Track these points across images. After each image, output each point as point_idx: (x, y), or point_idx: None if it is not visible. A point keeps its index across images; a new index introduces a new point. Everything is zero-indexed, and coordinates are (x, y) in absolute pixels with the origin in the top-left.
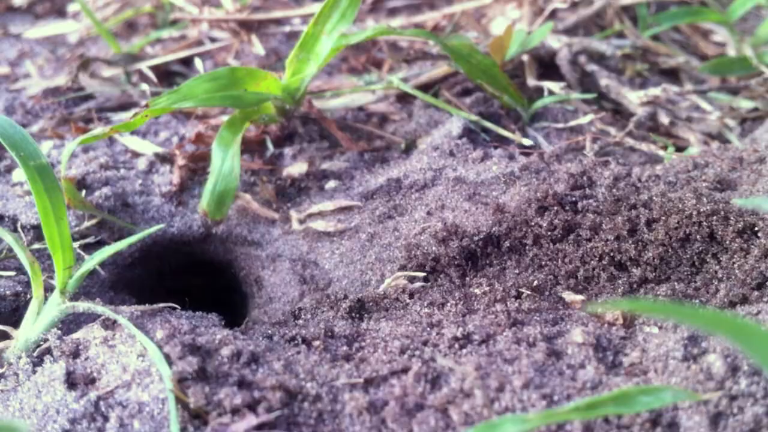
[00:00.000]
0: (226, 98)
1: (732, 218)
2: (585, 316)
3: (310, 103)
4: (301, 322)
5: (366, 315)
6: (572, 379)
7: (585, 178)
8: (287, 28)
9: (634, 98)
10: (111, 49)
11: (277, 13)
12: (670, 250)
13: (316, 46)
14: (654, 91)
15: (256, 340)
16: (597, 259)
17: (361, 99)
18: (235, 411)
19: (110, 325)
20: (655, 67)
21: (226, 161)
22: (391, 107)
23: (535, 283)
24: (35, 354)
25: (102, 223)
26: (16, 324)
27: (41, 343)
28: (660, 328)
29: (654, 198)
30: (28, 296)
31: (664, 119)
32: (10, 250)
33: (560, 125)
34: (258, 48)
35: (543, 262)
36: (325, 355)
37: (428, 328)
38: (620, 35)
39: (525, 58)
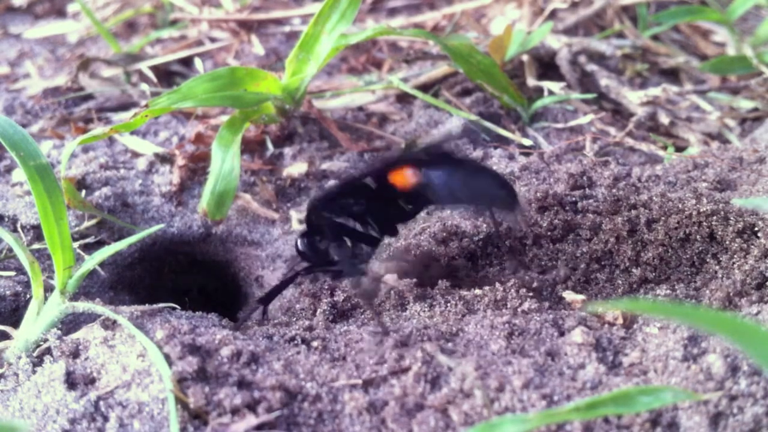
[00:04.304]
0: (226, 98)
1: (732, 218)
2: (585, 316)
3: (310, 103)
4: (301, 322)
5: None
6: (572, 379)
7: (585, 178)
8: (287, 28)
9: (634, 98)
10: (111, 49)
11: (277, 13)
12: (670, 250)
13: (316, 46)
14: (654, 91)
15: (256, 340)
16: (597, 259)
17: (361, 99)
18: (235, 411)
19: (110, 325)
20: (655, 67)
21: (226, 161)
22: (391, 107)
23: (535, 283)
24: (35, 354)
25: (102, 223)
26: (16, 324)
27: (41, 343)
28: (660, 328)
29: (654, 198)
30: (28, 296)
31: (664, 119)
32: (10, 250)
33: (560, 125)
34: (258, 48)
35: (543, 262)
36: (324, 355)
37: (428, 328)
38: (620, 35)
39: (525, 58)
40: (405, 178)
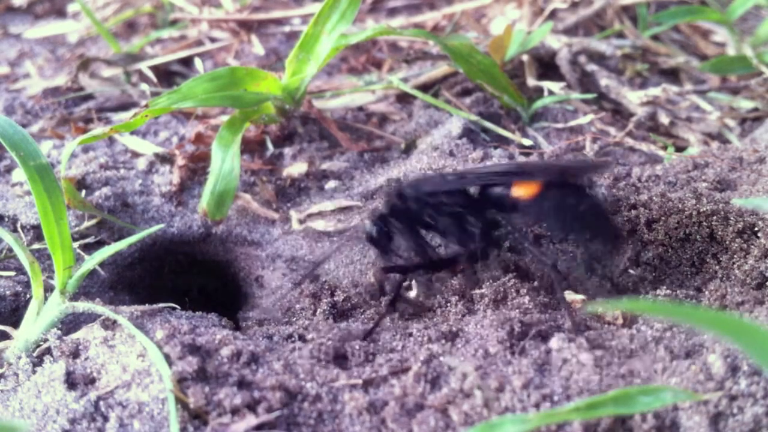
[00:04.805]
0: (226, 98)
1: (732, 218)
2: (585, 316)
3: (310, 103)
4: (301, 321)
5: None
6: (572, 379)
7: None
8: (287, 28)
9: (634, 98)
10: (111, 49)
11: (277, 13)
12: (670, 250)
13: (316, 46)
14: (654, 91)
15: (256, 340)
16: (597, 259)
17: (361, 99)
18: (235, 411)
19: (110, 325)
20: (655, 67)
21: (226, 161)
22: (391, 107)
23: (535, 283)
24: (35, 354)
25: (102, 223)
26: (16, 324)
27: (41, 343)
28: (660, 328)
29: (654, 198)
30: (28, 296)
31: (664, 119)
32: (10, 250)
33: (560, 125)
34: (258, 48)
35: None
36: (324, 355)
37: (428, 328)
38: (620, 35)
39: (525, 58)
40: (529, 188)
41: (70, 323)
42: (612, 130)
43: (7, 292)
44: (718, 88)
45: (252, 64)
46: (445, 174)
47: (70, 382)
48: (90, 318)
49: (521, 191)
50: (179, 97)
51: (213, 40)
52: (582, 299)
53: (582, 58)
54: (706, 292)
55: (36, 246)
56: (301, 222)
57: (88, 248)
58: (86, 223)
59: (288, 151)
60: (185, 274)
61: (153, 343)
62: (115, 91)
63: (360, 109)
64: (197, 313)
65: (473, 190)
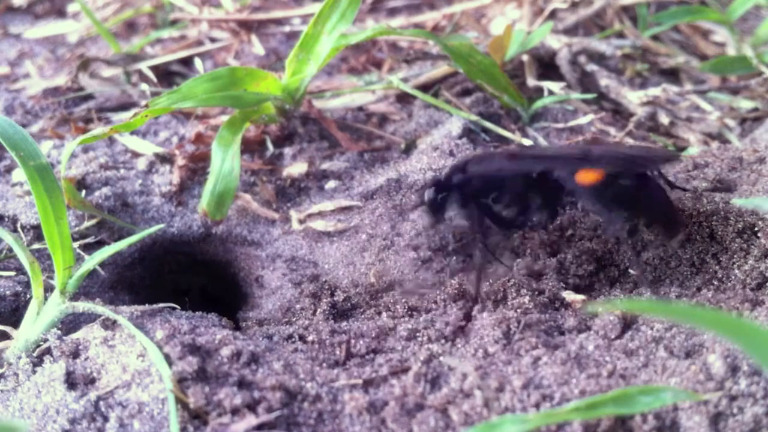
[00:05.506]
0: (226, 98)
1: (732, 218)
2: (585, 316)
3: (310, 103)
4: (300, 321)
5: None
6: (572, 379)
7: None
8: (287, 28)
9: (634, 98)
10: (111, 49)
11: (277, 13)
12: (670, 250)
13: (316, 46)
14: (654, 91)
15: (256, 340)
16: (597, 259)
17: (361, 99)
18: (235, 411)
19: (110, 325)
20: (655, 67)
21: (226, 161)
22: (391, 107)
23: (535, 283)
24: (35, 354)
25: (102, 223)
26: (16, 324)
27: (41, 343)
28: (660, 328)
29: None
30: (28, 296)
31: (664, 119)
32: (10, 250)
33: (560, 125)
34: (258, 48)
35: (543, 262)
36: (324, 355)
37: (428, 328)
38: (620, 35)
39: (525, 58)
40: (592, 174)
41: (70, 323)
42: (612, 130)
43: (7, 292)
44: (718, 88)
45: (252, 64)
46: (510, 152)
47: (70, 382)
48: (90, 318)
49: (586, 178)
50: (179, 97)
51: (213, 40)
52: (582, 299)
53: (582, 58)
54: (706, 293)
55: (36, 246)
56: (301, 222)
57: (88, 248)
58: (86, 223)
59: (288, 151)
60: (185, 274)
61: (153, 343)
62: (115, 91)
63: (360, 109)
64: (197, 313)
65: (538, 174)
